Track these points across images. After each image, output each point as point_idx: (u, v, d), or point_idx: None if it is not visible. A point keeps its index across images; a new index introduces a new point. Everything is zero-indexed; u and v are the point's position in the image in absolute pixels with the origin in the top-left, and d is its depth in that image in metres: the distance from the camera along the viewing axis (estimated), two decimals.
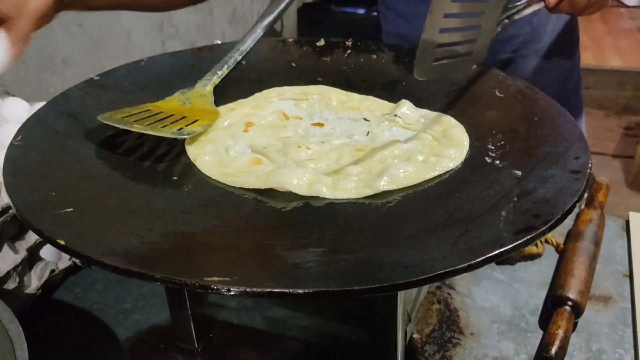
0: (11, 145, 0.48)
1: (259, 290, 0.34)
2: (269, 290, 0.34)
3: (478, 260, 0.35)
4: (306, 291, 0.34)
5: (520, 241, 0.37)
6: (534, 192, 0.44)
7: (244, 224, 0.45)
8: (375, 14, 1.55)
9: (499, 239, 0.38)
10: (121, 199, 0.45)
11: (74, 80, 1.18)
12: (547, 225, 0.39)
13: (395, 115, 0.59)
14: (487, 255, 0.36)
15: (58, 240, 0.37)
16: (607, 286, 0.67)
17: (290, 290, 0.34)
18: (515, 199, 0.44)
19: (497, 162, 0.51)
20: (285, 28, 1.84)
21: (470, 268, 0.35)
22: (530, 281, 0.67)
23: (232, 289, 0.34)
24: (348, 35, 0.73)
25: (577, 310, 0.60)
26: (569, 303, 0.60)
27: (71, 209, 0.42)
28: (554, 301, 0.61)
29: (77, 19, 1.21)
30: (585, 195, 0.53)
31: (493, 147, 0.53)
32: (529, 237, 0.38)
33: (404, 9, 0.94)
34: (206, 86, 0.62)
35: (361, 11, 1.57)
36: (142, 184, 0.48)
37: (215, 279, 0.34)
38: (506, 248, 0.37)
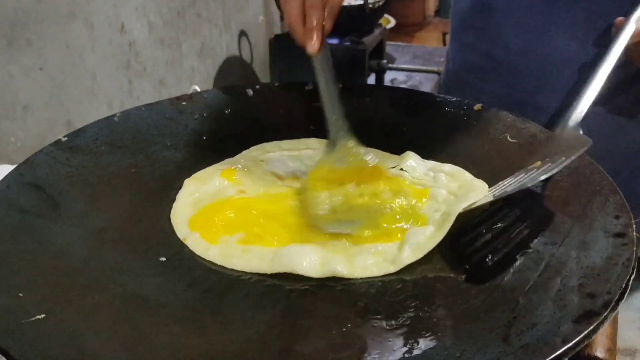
0: None
1: None
2: None
3: None
4: None
5: (584, 333, 0.32)
6: (577, 262, 0.39)
7: (249, 316, 0.38)
8: (347, 43, 1.51)
9: (557, 331, 0.32)
10: (103, 295, 0.38)
11: (36, 128, 1.10)
12: (609, 309, 0.33)
13: (402, 169, 0.54)
14: (551, 357, 0.30)
15: None
16: (630, 337, 0.63)
17: None
18: (559, 273, 0.38)
19: (524, 223, 0.45)
20: (254, 58, 1.80)
21: None
22: None
23: None
24: None
25: None
26: None
27: (43, 315, 0.35)
28: None
29: (37, 62, 1.13)
30: None
31: (514, 203, 0.48)
32: (592, 326, 0.32)
33: None
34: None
35: (334, 41, 1.54)
36: (126, 273, 0.41)
37: None
38: (570, 345, 0.31)
